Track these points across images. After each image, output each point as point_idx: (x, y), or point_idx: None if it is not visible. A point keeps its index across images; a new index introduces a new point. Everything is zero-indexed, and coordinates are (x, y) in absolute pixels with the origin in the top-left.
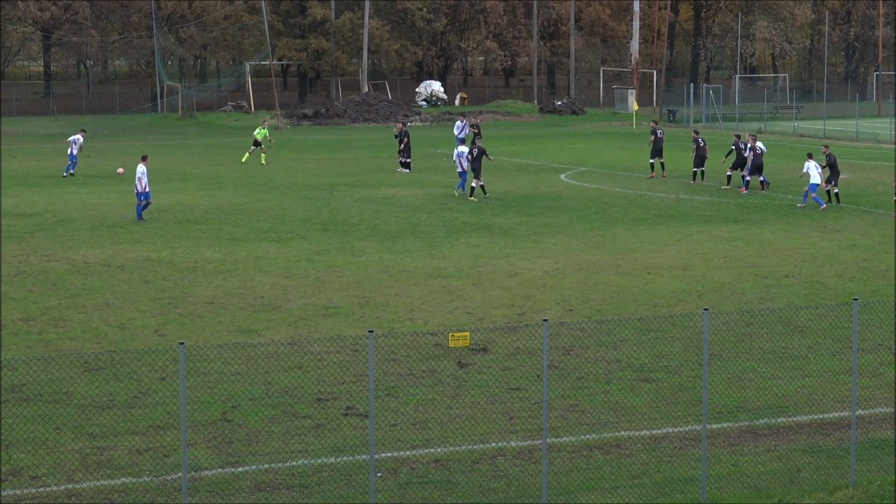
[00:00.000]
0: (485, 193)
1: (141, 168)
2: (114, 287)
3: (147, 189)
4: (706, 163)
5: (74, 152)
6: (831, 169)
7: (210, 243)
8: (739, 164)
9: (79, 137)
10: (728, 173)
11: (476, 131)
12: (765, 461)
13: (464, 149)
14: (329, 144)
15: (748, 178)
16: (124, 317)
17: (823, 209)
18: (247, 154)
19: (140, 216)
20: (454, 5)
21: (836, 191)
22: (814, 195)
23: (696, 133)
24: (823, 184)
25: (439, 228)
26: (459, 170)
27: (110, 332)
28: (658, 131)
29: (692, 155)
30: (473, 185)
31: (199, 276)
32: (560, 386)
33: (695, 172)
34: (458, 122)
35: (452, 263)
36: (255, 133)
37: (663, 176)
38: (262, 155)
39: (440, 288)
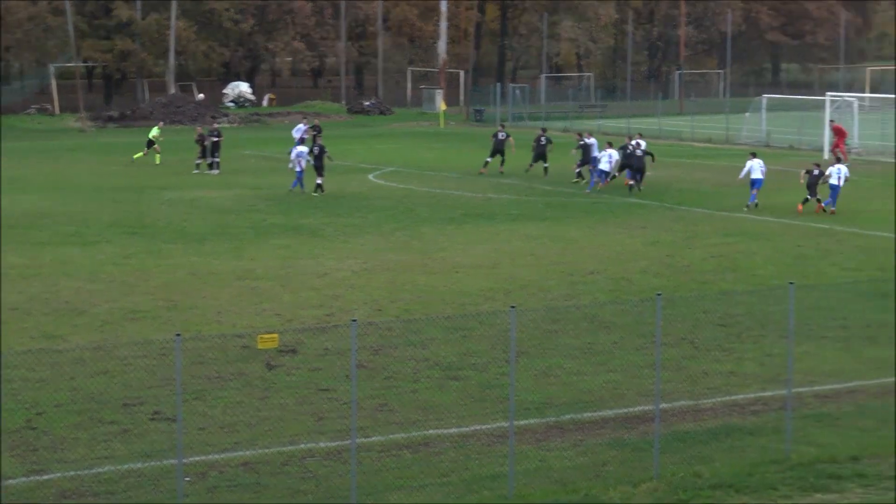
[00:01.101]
0: (322, 191)
1: None
2: None
3: None
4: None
5: None
6: (639, 161)
7: (14, 248)
8: (586, 161)
9: None
10: (577, 170)
11: (315, 132)
12: (571, 456)
13: (304, 149)
14: (136, 147)
15: (616, 175)
16: None
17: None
18: (140, 153)
19: None
20: (261, 6)
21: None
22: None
23: (543, 131)
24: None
25: (247, 230)
26: (298, 169)
27: None
28: (542, 138)
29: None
30: (319, 182)
31: (3, 282)
32: (369, 386)
33: (531, 166)
34: (301, 125)
35: (261, 265)
36: (151, 134)
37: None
38: (157, 155)
39: (248, 290)
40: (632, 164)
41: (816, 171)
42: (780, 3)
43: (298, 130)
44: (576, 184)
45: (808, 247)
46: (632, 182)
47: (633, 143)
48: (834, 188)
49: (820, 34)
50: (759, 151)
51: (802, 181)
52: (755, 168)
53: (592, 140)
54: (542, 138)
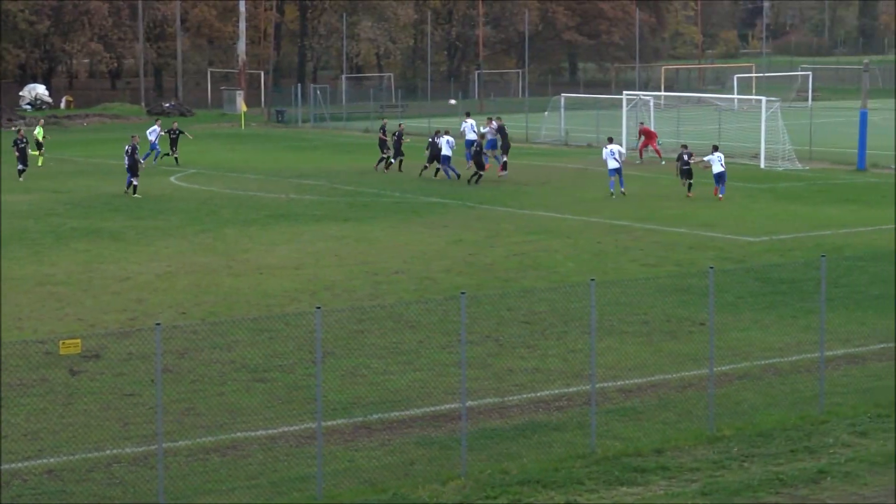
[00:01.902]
0: (135, 193)
1: None
2: None
3: None
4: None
5: None
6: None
7: None
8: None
9: None
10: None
11: (174, 134)
12: (379, 455)
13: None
14: None
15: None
16: None
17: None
18: (40, 158)
19: None
20: (57, 7)
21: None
22: (612, 180)
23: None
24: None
25: (47, 234)
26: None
27: None
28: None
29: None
30: (134, 182)
31: None
32: (175, 390)
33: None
34: (155, 127)
35: (61, 270)
36: (35, 134)
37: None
38: (40, 158)
39: (49, 295)
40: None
41: (686, 155)
42: (576, 4)
43: (153, 132)
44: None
45: (607, 243)
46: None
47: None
48: (720, 174)
49: (615, 34)
50: (559, 151)
51: (677, 174)
52: (714, 161)
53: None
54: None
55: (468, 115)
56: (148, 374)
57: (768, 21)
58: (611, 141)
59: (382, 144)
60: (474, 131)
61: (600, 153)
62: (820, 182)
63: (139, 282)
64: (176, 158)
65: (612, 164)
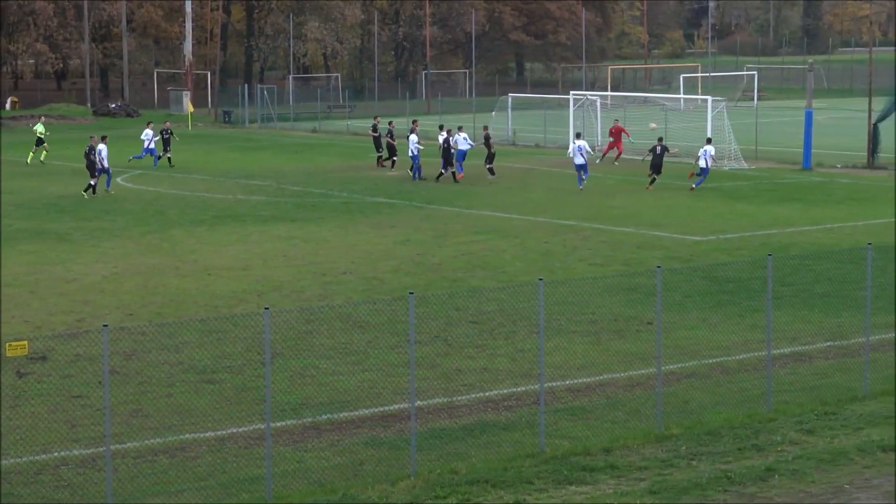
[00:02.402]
0: (94, 194)
1: None
2: None
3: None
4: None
5: None
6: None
7: None
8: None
9: None
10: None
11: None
12: (329, 456)
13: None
14: None
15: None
16: None
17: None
18: (31, 154)
19: None
20: (1, 7)
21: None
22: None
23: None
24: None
25: None
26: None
27: None
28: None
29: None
30: (92, 183)
31: None
32: (123, 391)
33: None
34: (148, 131)
35: (7, 272)
36: (36, 130)
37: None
38: (39, 153)
39: None
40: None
41: (659, 148)
42: (523, 4)
43: (147, 136)
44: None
45: (554, 243)
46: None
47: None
48: (704, 170)
49: (562, 34)
50: (506, 151)
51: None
52: (702, 157)
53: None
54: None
55: (461, 128)
56: (95, 376)
57: (714, 21)
58: (578, 137)
59: (377, 142)
60: (469, 143)
61: (551, 153)
62: (766, 181)
63: (86, 283)
64: (169, 159)
65: (579, 160)
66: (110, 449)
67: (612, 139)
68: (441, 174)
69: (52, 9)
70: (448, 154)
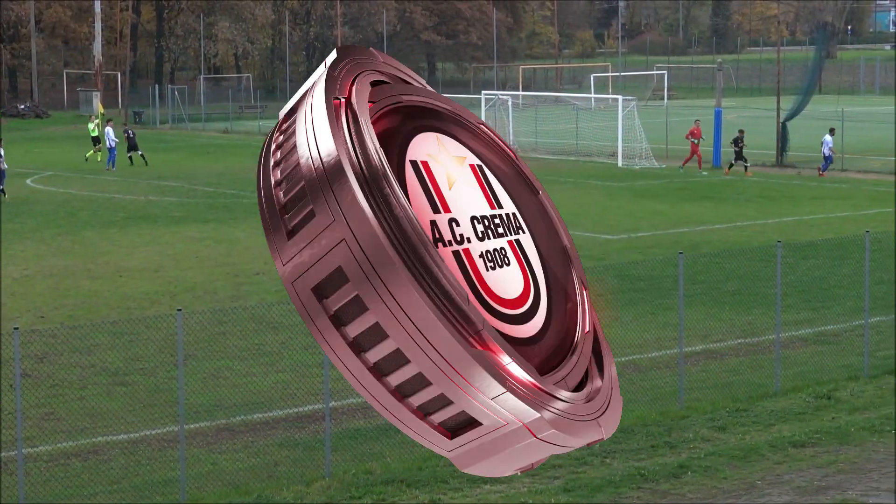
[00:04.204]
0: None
1: None
2: None
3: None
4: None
5: None
6: None
7: None
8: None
9: None
10: None
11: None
12: (243, 458)
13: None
14: None
15: None
16: None
17: None
18: (91, 152)
19: None
20: None
21: None
22: None
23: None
24: None
25: None
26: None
27: None
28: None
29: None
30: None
31: None
32: (34, 395)
33: None
34: (108, 129)
35: None
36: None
37: None
38: (97, 153)
39: None
40: None
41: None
42: (434, 4)
43: (108, 136)
44: None
45: None
46: None
47: None
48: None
49: (473, 33)
50: None
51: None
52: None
53: None
54: None
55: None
56: (7, 380)
57: (624, 21)
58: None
59: None
60: None
61: None
62: (677, 180)
63: None
64: (143, 156)
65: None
66: (23, 452)
67: (694, 140)
68: None
69: None
70: None
